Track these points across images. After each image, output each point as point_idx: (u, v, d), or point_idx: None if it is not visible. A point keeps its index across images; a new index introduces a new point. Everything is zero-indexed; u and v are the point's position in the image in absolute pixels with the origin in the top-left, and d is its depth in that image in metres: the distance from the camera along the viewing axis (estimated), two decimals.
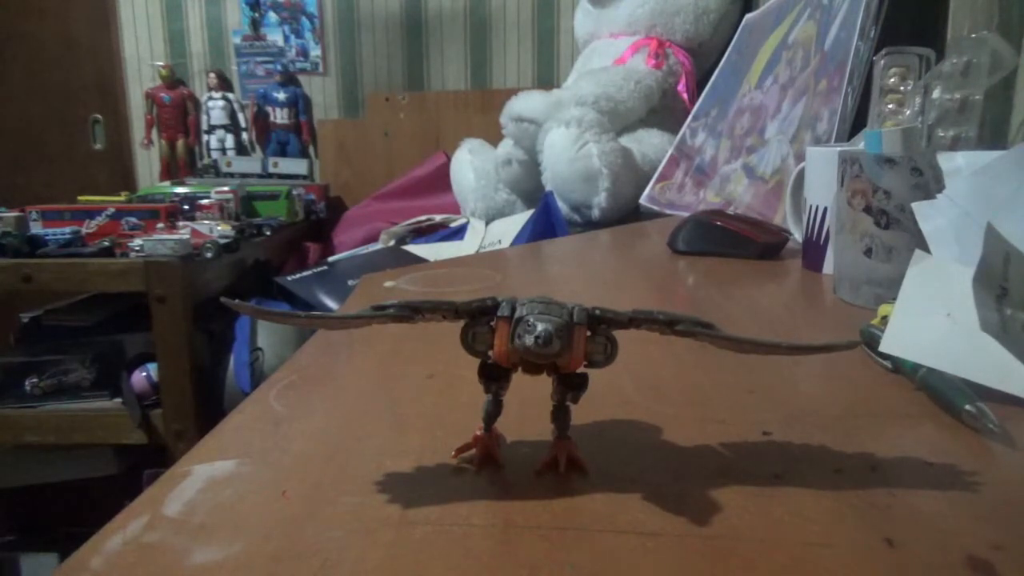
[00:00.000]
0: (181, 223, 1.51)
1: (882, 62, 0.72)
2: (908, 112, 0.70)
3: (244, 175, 2.26)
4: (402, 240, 1.74)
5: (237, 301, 0.27)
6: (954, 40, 0.85)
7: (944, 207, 0.48)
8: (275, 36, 2.46)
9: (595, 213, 1.32)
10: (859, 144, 0.63)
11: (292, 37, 2.46)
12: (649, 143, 1.46)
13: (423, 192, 2.17)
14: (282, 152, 2.44)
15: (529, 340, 0.26)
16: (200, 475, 0.29)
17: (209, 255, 1.42)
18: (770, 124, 1.05)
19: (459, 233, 1.65)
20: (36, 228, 1.45)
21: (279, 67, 2.42)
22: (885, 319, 0.43)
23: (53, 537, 1.52)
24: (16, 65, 2.09)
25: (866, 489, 0.28)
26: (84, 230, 1.45)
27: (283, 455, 0.31)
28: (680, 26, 1.68)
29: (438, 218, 1.84)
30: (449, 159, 1.89)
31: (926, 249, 0.47)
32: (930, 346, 0.38)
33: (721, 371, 0.41)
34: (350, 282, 1.46)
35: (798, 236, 0.72)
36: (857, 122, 0.84)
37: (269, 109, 2.44)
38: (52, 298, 1.58)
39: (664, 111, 1.59)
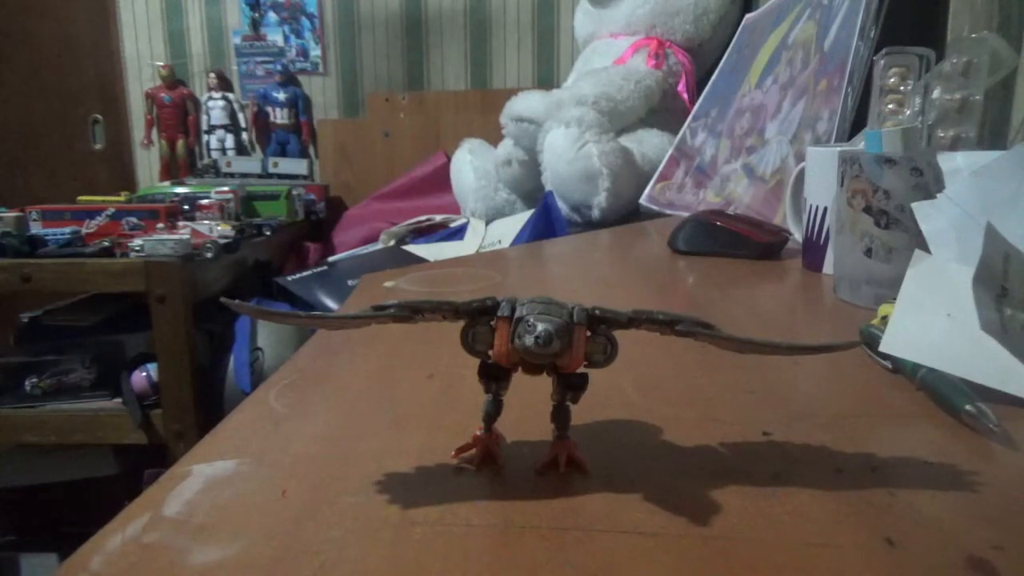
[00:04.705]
0: (181, 223, 1.51)
1: (882, 62, 0.72)
2: (908, 112, 0.70)
3: (244, 175, 2.26)
4: (402, 240, 1.74)
5: (237, 301, 0.27)
6: (954, 40, 0.85)
7: (944, 207, 0.48)
8: (275, 36, 2.46)
9: (595, 213, 1.32)
10: (859, 144, 0.63)
11: (292, 37, 2.45)
12: (649, 143, 1.46)
13: (423, 192, 2.17)
14: (282, 152, 2.44)
15: (529, 340, 0.26)
16: (200, 475, 0.29)
17: (209, 255, 1.42)
18: (770, 124, 1.05)
19: (459, 233, 1.65)
20: (36, 228, 1.45)
21: (279, 67, 2.42)
22: (885, 319, 0.43)
23: (53, 537, 1.51)
24: (16, 65, 2.08)
25: (866, 489, 0.28)
26: (84, 230, 1.45)
27: (283, 455, 0.31)
28: (680, 26, 1.68)
29: (438, 218, 1.84)
30: (449, 159, 1.89)
31: (926, 249, 0.47)
32: (930, 346, 0.38)
33: (721, 371, 0.41)
34: (350, 282, 1.46)
35: (798, 236, 0.72)
36: (857, 122, 0.84)
37: (269, 109, 2.44)
38: (52, 298, 1.58)
39: (664, 111, 1.59)
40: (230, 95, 2.47)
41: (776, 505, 0.27)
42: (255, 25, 2.45)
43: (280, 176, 2.30)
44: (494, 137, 1.69)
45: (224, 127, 2.45)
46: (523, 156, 1.56)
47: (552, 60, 2.42)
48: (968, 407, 0.33)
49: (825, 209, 0.64)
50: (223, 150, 2.45)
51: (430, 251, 1.52)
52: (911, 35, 0.80)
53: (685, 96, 1.63)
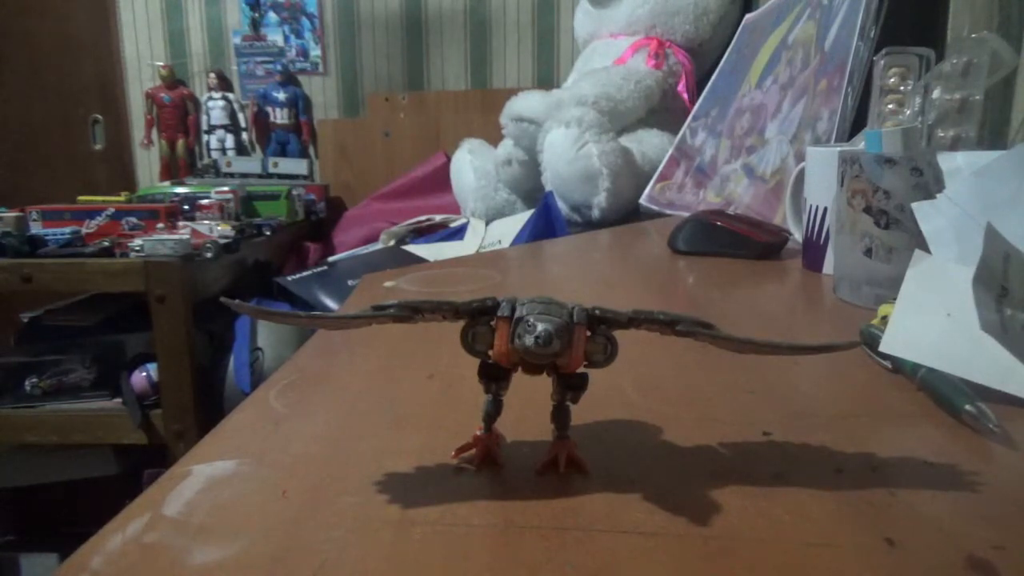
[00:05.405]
0: (181, 223, 1.51)
1: (882, 62, 0.72)
2: (908, 112, 0.70)
3: (244, 175, 2.26)
4: (402, 240, 1.74)
5: (237, 301, 0.27)
6: (954, 40, 0.85)
7: (944, 207, 0.48)
8: (275, 36, 2.46)
9: (595, 213, 1.32)
10: (859, 144, 0.63)
11: (292, 37, 2.46)
12: (649, 143, 1.46)
13: (423, 192, 2.17)
14: (282, 152, 2.44)
15: (529, 340, 0.26)
16: (200, 475, 0.29)
17: (209, 255, 1.42)
18: (770, 124, 1.05)
19: (459, 233, 1.65)
20: (36, 228, 1.45)
21: (279, 67, 2.42)
22: (885, 319, 0.43)
23: (53, 537, 1.51)
24: (16, 65, 2.08)
25: (866, 489, 0.28)
26: (84, 230, 1.45)
27: (283, 455, 0.31)
28: (680, 26, 1.68)
29: (438, 218, 1.84)
30: (449, 159, 1.89)
31: (926, 249, 0.47)
32: (930, 346, 0.38)
33: (721, 371, 0.41)
34: (350, 282, 1.46)
35: (798, 236, 0.72)
36: (857, 122, 0.84)
37: (269, 109, 2.44)
38: (52, 298, 1.58)
39: (664, 111, 1.59)
40: (230, 95, 2.47)
41: (776, 505, 0.27)
42: (255, 25, 2.45)
43: (280, 176, 2.30)
44: (494, 137, 1.69)
45: (224, 127, 2.45)
46: (523, 156, 1.56)
47: (552, 60, 2.42)
48: (968, 407, 0.33)
49: (825, 209, 0.64)
50: (223, 150, 2.45)
51: (430, 251, 1.52)
52: (911, 35, 0.80)
53: (685, 96, 1.63)
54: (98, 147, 2.43)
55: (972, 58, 0.68)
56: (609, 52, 1.72)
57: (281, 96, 2.43)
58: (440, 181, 2.06)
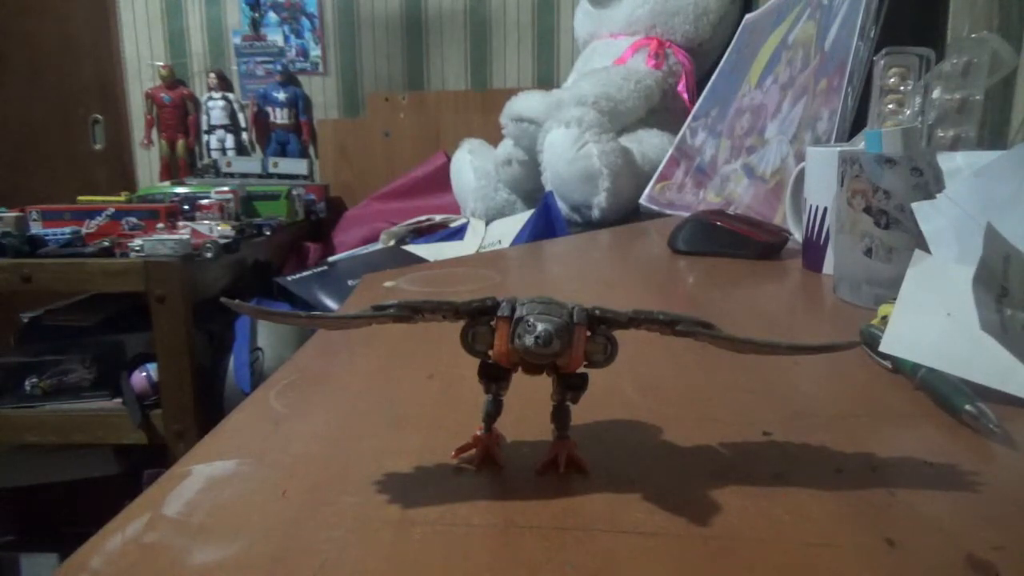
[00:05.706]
0: (181, 223, 1.51)
1: (882, 62, 0.72)
2: (908, 112, 0.70)
3: (244, 175, 2.26)
4: (402, 240, 1.74)
5: (237, 301, 0.27)
6: (954, 40, 0.85)
7: (944, 207, 0.48)
8: (275, 36, 2.46)
9: (595, 213, 1.32)
10: (859, 144, 0.63)
11: (292, 37, 2.46)
12: (649, 143, 1.46)
13: (423, 192, 2.17)
14: (282, 152, 2.44)
15: (529, 340, 0.26)
16: (200, 475, 0.29)
17: (209, 255, 1.42)
18: (770, 124, 1.05)
19: (459, 233, 1.65)
20: (36, 228, 1.45)
21: (279, 67, 2.42)
22: (885, 319, 0.43)
23: (53, 537, 1.52)
24: (16, 65, 2.08)
25: (866, 489, 0.28)
26: (84, 230, 1.45)
27: (283, 455, 0.31)
28: (680, 26, 1.68)
29: (438, 218, 1.84)
30: (449, 159, 1.89)
31: (926, 249, 0.47)
32: (930, 346, 0.38)
33: (721, 371, 0.41)
34: (350, 282, 1.46)
35: (798, 236, 0.72)
36: (857, 122, 0.84)
37: (269, 109, 2.44)
38: (52, 298, 1.58)
39: (664, 111, 1.59)
40: (230, 95, 2.47)
41: (776, 505, 0.27)
42: (255, 25, 2.45)
43: (280, 176, 2.30)
44: (494, 137, 1.69)
45: (224, 127, 2.45)
46: (523, 156, 1.56)
47: (552, 60, 2.42)
48: (968, 407, 0.33)
49: (825, 209, 0.64)
50: (223, 150, 2.45)
51: (430, 251, 1.52)
52: (911, 35, 0.80)
53: (685, 96, 1.63)
54: (98, 147, 2.43)
55: (972, 58, 0.68)
56: (609, 52, 1.72)
57: (281, 96, 2.43)
58: (440, 181, 2.06)
